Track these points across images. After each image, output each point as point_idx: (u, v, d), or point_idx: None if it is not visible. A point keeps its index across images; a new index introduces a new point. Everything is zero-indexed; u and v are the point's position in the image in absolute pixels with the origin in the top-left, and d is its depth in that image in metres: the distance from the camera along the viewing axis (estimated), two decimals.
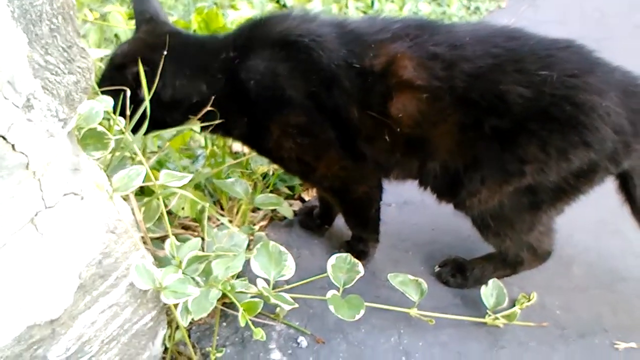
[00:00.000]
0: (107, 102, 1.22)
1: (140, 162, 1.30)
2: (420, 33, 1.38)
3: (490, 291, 1.50)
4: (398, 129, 1.37)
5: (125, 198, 1.30)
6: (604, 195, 1.48)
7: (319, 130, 1.45)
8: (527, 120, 1.30)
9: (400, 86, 1.34)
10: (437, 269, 1.73)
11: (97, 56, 1.95)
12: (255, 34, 1.45)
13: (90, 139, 1.14)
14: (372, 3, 3.09)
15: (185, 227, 1.70)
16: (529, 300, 1.59)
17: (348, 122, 1.41)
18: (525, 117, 1.30)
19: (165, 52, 1.40)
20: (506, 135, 1.33)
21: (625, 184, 1.49)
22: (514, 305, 1.56)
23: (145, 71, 1.37)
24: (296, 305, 1.32)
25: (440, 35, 1.38)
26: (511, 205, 1.45)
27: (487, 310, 1.51)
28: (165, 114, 1.47)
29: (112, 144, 1.16)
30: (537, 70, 1.29)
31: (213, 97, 1.43)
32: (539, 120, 1.30)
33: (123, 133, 1.28)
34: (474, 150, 1.37)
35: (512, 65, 1.30)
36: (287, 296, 1.32)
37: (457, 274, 1.68)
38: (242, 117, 1.48)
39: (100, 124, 1.16)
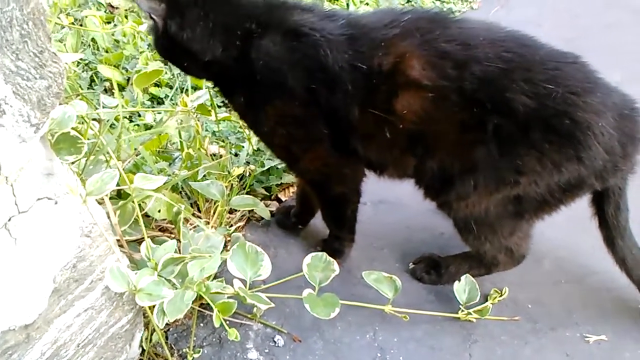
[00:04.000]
0: (80, 106, 1.23)
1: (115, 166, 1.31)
2: (432, 27, 1.37)
3: (463, 287, 1.53)
4: (401, 126, 1.38)
5: (101, 202, 1.31)
6: None
7: (312, 124, 1.47)
8: (529, 129, 1.32)
9: (407, 85, 1.35)
10: (411, 266, 1.76)
11: (72, 60, 1.95)
12: (276, 15, 1.43)
13: (63, 144, 1.14)
14: (348, 5, 3.11)
15: (162, 229, 1.71)
16: (501, 295, 1.62)
17: (346, 121, 1.43)
18: (527, 125, 1.32)
19: None
20: (507, 142, 1.34)
21: (599, 199, 1.54)
22: (487, 301, 1.60)
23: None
24: (272, 305, 1.34)
25: (453, 31, 1.37)
26: (496, 212, 1.47)
27: (460, 306, 1.54)
28: (179, 57, 1.47)
29: (85, 148, 1.16)
30: (544, 83, 1.30)
31: (222, 64, 1.43)
32: (540, 130, 1.32)
33: (97, 137, 1.29)
34: (473, 153, 1.38)
35: (521, 74, 1.31)
36: (264, 296, 1.33)
37: (432, 270, 1.71)
38: (244, 92, 1.48)
39: (73, 128, 1.17)
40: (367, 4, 3.20)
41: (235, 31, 1.40)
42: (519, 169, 1.36)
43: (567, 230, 1.86)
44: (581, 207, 1.56)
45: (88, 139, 1.42)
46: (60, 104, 1.13)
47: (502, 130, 1.33)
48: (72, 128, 1.16)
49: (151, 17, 1.38)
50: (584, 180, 1.39)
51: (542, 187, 1.39)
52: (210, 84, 1.72)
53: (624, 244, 1.55)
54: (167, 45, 1.43)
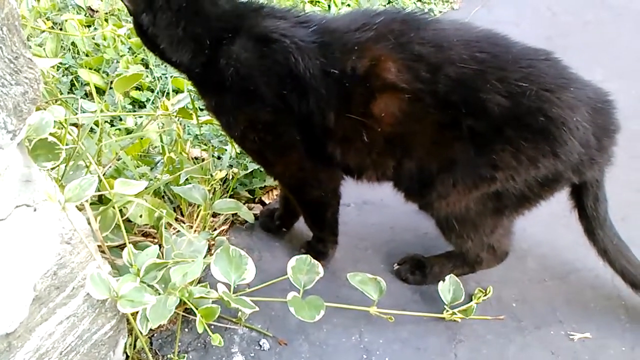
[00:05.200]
0: (59, 111, 1.22)
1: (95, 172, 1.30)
2: (406, 29, 1.37)
3: (447, 287, 1.53)
4: (379, 128, 1.38)
5: (81, 207, 1.30)
6: None
7: (284, 130, 1.47)
8: (504, 127, 1.33)
9: (383, 88, 1.35)
10: (396, 266, 1.76)
11: (51, 65, 1.93)
12: (247, 21, 1.43)
13: (41, 150, 1.13)
14: (329, 7, 3.12)
15: (145, 234, 1.70)
16: (485, 295, 1.63)
17: (321, 127, 1.42)
18: (502, 123, 1.33)
19: None
20: (482, 140, 1.36)
21: (578, 192, 1.55)
22: (471, 300, 1.60)
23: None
24: (257, 309, 1.33)
25: (426, 32, 1.37)
26: (477, 210, 1.48)
27: (445, 306, 1.54)
28: (152, 46, 1.45)
29: (63, 154, 1.15)
30: (517, 81, 1.31)
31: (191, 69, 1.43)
32: (515, 128, 1.33)
33: (76, 143, 1.27)
34: (450, 151, 1.39)
35: (495, 74, 1.32)
36: (248, 300, 1.33)
37: (416, 271, 1.71)
38: (215, 96, 1.48)
39: (52, 134, 1.16)
40: (348, 5, 3.20)
41: (205, 37, 1.40)
42: (495, 165, 1.37)
43: (549, 227, 1.88)
44: (562, 203, 1.58)
45: (67, 145, 1.41)
46: (37, 109, 1.12)
47: (477, 129, 1.35)
48: (50, 134, 1.15)
49: (124, 3, 1.37)
50: (561, 175, 1.41)
51: (520, 182, 1.41)
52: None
53: (604, 235, 1.57)
54: (139, 32, 1.43)
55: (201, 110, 2.07)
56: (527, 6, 3.51)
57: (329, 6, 3.15)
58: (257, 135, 1.48)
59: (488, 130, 1.34)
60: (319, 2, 3.09)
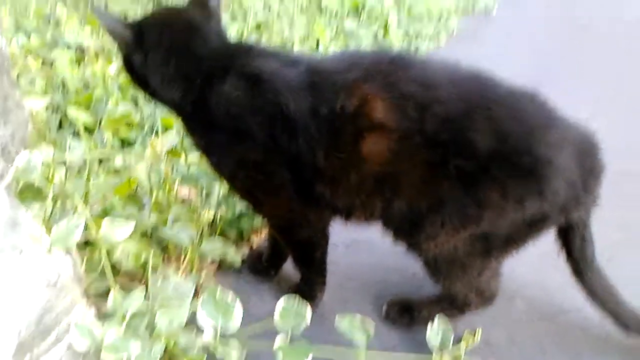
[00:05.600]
0: (47, 152, 1.21)
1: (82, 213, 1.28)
2: (394, 69, 1.39)
3: (436, 330, 1.51)
4: (367, 168, 1.39)
5: (67, 251, 1.28)
6: None
7: (275, 170, 1.46)
8: (491, 166, 1.34)
9: (371, 127, 1.36)
10: (384, 308, 1.74)
11: (41, 105, 1.93)
12: (238, 61, 1.44)
13: (28, 192, 1.12)
14: (317, 44, 3.16)
15: (132, 277, 1.67)
16: (474, 337, 1.62)
17: (311, 167, 1.42)
18: (489, 163, 1.33)
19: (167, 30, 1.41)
20: (470, 179, 1.36)
21: (565, 233, 1.56)
22: (460, 342, 1.59)
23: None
24: (244, 355, 1.31)
25: (414, 71, 1.39)
26: (465, 251, 1.48)
27: (434, 350, 1.52)
28: (141, 84, 1.48)
29: (51, 195, 1.14)
30: (504, 121, 1.33)
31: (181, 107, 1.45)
32: (502, 167, 1.34)
33: (64, 184, 1.27)
34: (439, 191, 1.39)
35: (482, 113, 1.33)
36: (235, 344, 1.31)
37: (405, 313, 1.70)
38: (204, 135, 1.48)
39: (39, 175, 1.15)
40: (335, 44, 3.25)
41: (196, 76, 1.42)
42: (482, 205, 1.38)
43: (537, 268, 1.88)
44: (550, 243, 1.59)
45: (54, 185, 1.40)
46: (25, 149, 1.11)
47: (465, 168, 1.35)
48: (38, 175, 1.14)
49: (114, 39, 1.39)
50: (548, 215, 1.41)
51: (507, 222, 1.41)
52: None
53: (592, 276, 1.58)
54: (129, 69, 1.45)
55: (190, 149, 2.07)
56: (511, 45, 3.59)
57: (317, 46, 3.19)
58: (247, 175, 1.48)
59: (476, 170, 1.35)
60: (307, 40, 3.14)
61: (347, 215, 1.55)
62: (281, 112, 1.38)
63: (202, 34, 1.46)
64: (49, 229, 1.17)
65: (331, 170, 1.42)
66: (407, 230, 1.50)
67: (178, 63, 1.40)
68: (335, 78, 1.40)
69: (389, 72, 1.38)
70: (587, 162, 1.40)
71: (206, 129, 1.46)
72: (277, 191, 1.51)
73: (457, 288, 1.58)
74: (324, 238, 1.66)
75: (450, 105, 1.34)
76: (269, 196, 1.54)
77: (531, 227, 1.44)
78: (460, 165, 1.35)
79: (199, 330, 1.32)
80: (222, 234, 1.93)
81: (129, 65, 1.43)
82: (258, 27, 3.22)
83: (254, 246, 1.99)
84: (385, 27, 3.42)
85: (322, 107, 1.37)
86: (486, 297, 1.64)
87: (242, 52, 1.47)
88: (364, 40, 3.38)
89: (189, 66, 1.42)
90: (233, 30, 3.08)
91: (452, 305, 1.65)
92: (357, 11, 3.56)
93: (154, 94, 1.46)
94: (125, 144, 2.30)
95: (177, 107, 1.48)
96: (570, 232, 1.55)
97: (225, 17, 3.21)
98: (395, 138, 1.35)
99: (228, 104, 1.40)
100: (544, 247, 1.57)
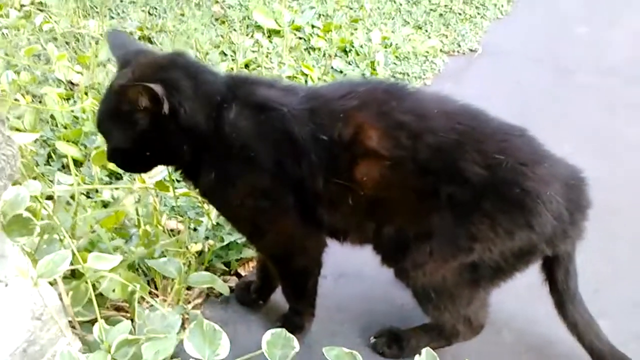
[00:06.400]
0: (35, 186, 1.22)
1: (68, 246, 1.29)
2: (388, 98, 1.43)
3: None
4: (361, 192, 1.41)
5: (53, 282, 1.28)
6: None
7: (280, 196, 1.48)
8: (481, 198, 1.37)
9: (365, 154, 1.39)
10: (372, 340, 1.74)
11: (30, 140, 1.94)
12: (243, 90, 1.46)
13: (15, 225, 1.12)
14: (306, 81, 3.21)
15: (118, 309, 1.67)
16: None
17: (312, 191, 1.45)
18: (480, 194, 1.36)
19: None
20: (460, 210, 1.39)
21: (549, 265, 1.59)
22: None
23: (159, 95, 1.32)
24: None
25: (408, 102, 1.43)
26: (453, 280, 1.49)
27: None
28: (170, 146, 1.44)
29: (38, 229, 1.15)
30: (494, 153, 1.37)
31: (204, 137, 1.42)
32: (492, 199, 1.37)
33: (51, 217, 1.27)
34: (429, 219, 1.42)
35: (473, 145, 1.37)
36: None
37: (393, 344, 1.70)
38: (215, 167, 1.46)
39: (27, 208, 1.16)
40: (324, 80, 3.30)
41: (213, 105, 1.42)
42: (473, 236, 1.40)
43: (525, 299, 1.88)
44: (537, 275, 1.60)
45: (42, 219, 1.40)
46: (14, 184, 1.12)
47: (455, 198, 1.38)
48: (25, 208, 1.15)
49: (167, 101, 1.34)
50: (536, 247, 1.44)
51: (496, 253, 1.43)
52: (172, 169, 1.68)
53: (574, 309, 1.60)
54: (154, 135, 1.40)
55: (178, 182, 2.09)
56: (496, 82, 3.64)
57: (305, 81, 3.24)
58: (255, 203, 1.49)
59: (466, 200, 1.38)
60: (296, 78, 3.18)
61: (344, 237, 1.58)
62: (287, 138, 1.41)
63: (206, 69, 1.48)
64: (35, 262, 1.17)
65: (329, 194, 1.45)
66: (394, 253, 1.52)
67: (200, 89, 1.41)
68: (333, 105, 1.44)
69: (383, 101, 1.43)
70: (574, 196, 1.43)
71: (217, 159, 1.46)
72: (282, 217, 1.53)
73: (445, 318, 1.59)
74: (318, 267, 1.67)
75: (443, 135, 1.37)
76: (273, 223, 1.55)
77: (519, 258, 1.46)
78: (451, 194, 1.38)
79: None
80: (210, 265, 1.93)
81: (159, 122, 1.37)
82: (247, 65, 3.27)
83: (242, 277, 1.99)
84: (373, 66, 3.48)
85: (322, 134, 1.41)
86: (474, 328, 1.65)
87: (242, 82, 1.50)
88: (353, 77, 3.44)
89: (209, 94, 1.42)
90: (222, 68, 3.12)
91: (440, 335, 1.66)
92: (345, 51, 3.62)
93: (171, 146, 1.45)
94: (114, 177, 2.31)
95: (199, 139, 1.43)
96: (555, 264, 1.57)
97: (214, 56, 3.25)
98: (387, 165, 1.38)
99: (239, 132, 1.41)
100: (531, 279, 1.59)
